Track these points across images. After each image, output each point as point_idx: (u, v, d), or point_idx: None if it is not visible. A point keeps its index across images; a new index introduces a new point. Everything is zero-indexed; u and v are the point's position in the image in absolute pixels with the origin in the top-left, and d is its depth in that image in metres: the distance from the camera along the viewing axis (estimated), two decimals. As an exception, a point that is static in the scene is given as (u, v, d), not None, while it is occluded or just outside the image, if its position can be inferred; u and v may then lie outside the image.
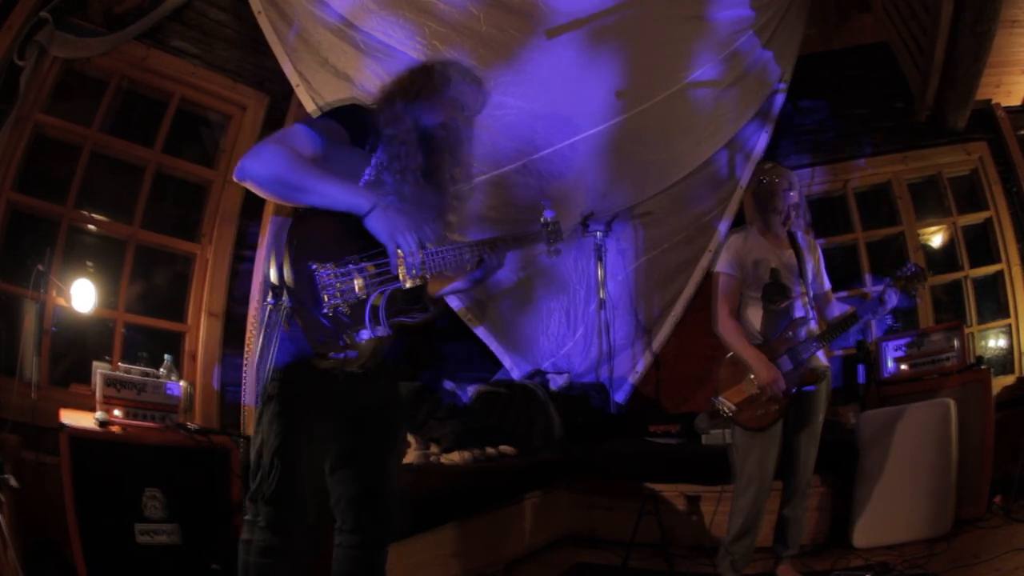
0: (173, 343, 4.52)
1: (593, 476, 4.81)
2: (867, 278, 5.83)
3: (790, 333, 3.57)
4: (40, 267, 3.72)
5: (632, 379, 6.04)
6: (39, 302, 3.80)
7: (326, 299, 2.04)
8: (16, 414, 3.46)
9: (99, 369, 3.73)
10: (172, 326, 4.55)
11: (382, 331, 2.14)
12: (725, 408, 3.57)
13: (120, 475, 3.29)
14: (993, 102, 5.55)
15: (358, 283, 2.11)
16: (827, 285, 3.87)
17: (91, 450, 3.26)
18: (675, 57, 5.39)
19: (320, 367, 2.14)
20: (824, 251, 5.68)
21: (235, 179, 2.09)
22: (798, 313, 3.63)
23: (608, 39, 5.07)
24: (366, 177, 2.25)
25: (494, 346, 5.78)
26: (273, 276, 2.05)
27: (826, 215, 6.00)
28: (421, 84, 2.41)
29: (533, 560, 4.34)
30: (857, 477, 4.28)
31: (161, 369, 3.98)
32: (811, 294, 3.69)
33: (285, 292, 2.03)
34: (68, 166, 4.10)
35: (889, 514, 4.11)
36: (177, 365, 4.18)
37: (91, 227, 4.27)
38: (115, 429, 3.46)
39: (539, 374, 5.77)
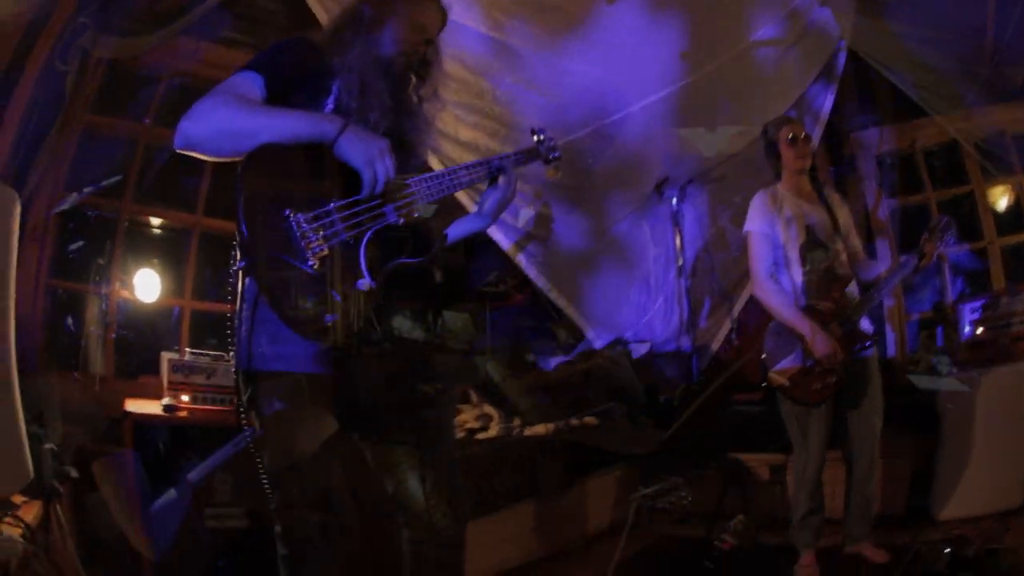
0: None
1: (677, 447, 4.58)
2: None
3: (837, 294, 3.36)
4: (100, 261, 3.76)
5: (714, 346, 5.85)
6: (102, 295, 3.84)
7: (309, 248, 1.73)
8: (82, 407, 3.46)
9: (166, 356, 3.76)
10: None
11: (381, 278, 1.84)
12: (777, 384, 3.38)
13: (188, 460, 3.28)
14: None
15: (345, 224, 1.81)
16: (859, 243, 3.66)
17: (157, 436, 3.26)
18: (737, 16, 5.19)
19: (312, 338, 1.76)
20: (896, 211, 5.70)
21: (176, 149, 1.83)
22: (842, 271, 3.43)
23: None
24: (327, 108, 1.98)
25: (575, 316, 5.64)
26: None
27: (896, 174, 5.81)
28: (369, 10, 2.14)
29: (616, 534, 4.08)
30: (938, 443, 4.08)
31: (231, 352, 3.97)
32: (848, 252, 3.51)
33: (253, 249, 1.71)
34: (124, 162, 4.12)
35: (969, 484, 3.92)
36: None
37: (154, 220, 4.31)
38: (182, 415, 3.46)
39: (621, 343, 5.64)
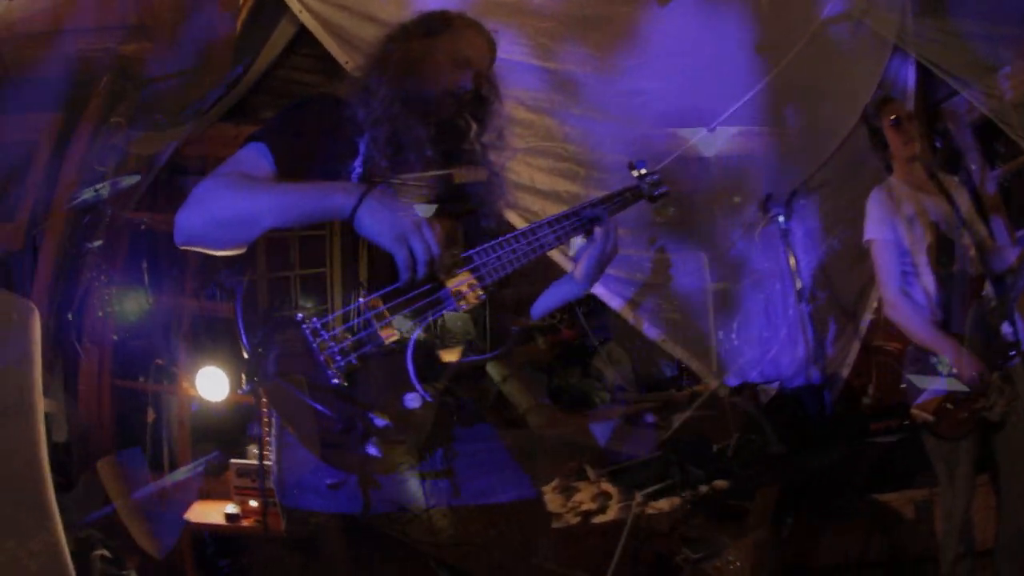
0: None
1: (814, 497, 4.15)
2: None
3: (974, 300, 2.96)
4: (159, 361, 3.64)
5: (844, 373, 5.28)
6: (166, 394, 3.77)
7: (332, 363, 1.38)
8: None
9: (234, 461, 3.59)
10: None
11: (438, 390, 1.47)
12: (921, 420, 3.01)
13: (249, 570, 3.14)
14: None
15: (381, 323, 1.43)
16: (984, 230, 3.22)
17: (220, 545, 3.06)
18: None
19: (349, 472, 1.46)
20: (1001, 180, 5.04)
21: (178, 246, 1.56)
22: (975, 270, 3.02)
23: (725, -11, 4.59)
24: (356, 171, 1.61)
25: (694, 365, 5.22)
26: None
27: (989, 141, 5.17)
28: (394, 47, 1.79)
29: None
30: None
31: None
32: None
33: (259, 370, 1.42)
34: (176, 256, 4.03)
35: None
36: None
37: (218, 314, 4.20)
38: (247, 523, 3.26)
39: (747, 387, 5.15)
